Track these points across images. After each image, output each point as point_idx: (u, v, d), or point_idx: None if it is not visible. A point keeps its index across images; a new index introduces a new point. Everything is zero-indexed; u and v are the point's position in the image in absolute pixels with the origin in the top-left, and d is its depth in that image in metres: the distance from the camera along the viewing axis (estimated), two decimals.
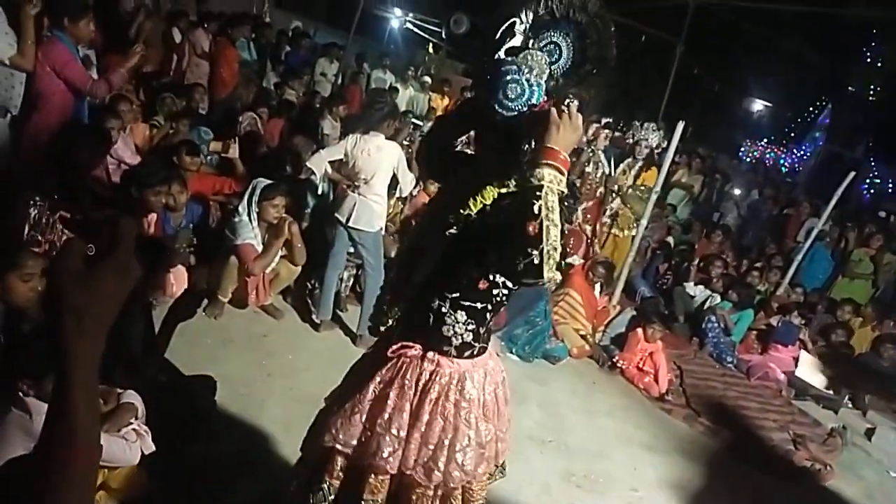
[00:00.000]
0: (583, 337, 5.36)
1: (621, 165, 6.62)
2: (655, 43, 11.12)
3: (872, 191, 17.08)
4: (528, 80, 1.58)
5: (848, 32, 15.87)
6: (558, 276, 1.54)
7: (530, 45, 1.60)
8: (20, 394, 1.92)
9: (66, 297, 0.76)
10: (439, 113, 10.87)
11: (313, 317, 4.44)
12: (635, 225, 6.45)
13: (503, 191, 1.65)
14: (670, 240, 7.94)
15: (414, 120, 8.87)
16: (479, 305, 1.72)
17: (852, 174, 7.03)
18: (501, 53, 1.60)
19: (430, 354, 1.75)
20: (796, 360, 6.09)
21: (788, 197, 11.49)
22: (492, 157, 1.74)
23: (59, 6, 3.98)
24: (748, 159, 18.63)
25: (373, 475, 1.74)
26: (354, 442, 1.76)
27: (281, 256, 4.33)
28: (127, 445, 2.09)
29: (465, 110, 1.93)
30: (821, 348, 6.26)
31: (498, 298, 1.73)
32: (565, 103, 1.54)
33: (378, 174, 4.17)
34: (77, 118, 4.08)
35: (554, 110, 1.53)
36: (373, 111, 4.19)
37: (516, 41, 1.60)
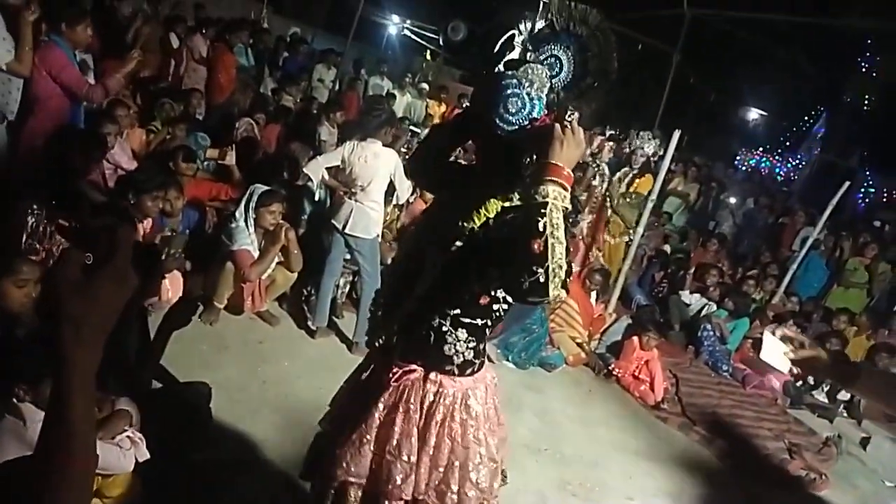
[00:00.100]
0: (579, 345, 5.36)
1: (617, 174, 6.64)
2: (652, 53, 11.18)
3: (867, 200, 17.16)
4: (528, 94, 1.56)
5: (843, 43, 15.97)
6: (564, 294, 1.50)
7: (530, 59, 1.59)
8: (15, 400, 1.91)
9: (65, 306, 0.76)
10: (436, 120, 10.91)
11: (309, 323, 4.43)
12: (626, 232, 6.47)
13: (506, 204, 1.63)
14: (667, 248, 7.96)
15: (412, 127, 8.88)
16: (479, 322, 1.71)
17: (847, 183, 7.07)
18: (501, 66, 1.59)
19: (432, 375, 1.72)
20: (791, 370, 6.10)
21: (784, 206, 11.52)
22: (493, 170, 1.71)
23: (57, 11, 3.99)
24: (744, 168, 18.70)
25: (387, 502, 1.70)
26: (367, 472, 1.73)
27: (277, 263, 4.32)
28: (121, 453, 2.08)
29: (463, 121, 1.91)
30: None
31: (497, 314, 1.72)
32: (567, 118, 1.53)
33: (375, 181, 4.17)
34: (73, 123, 4.09)
35: (557, 126, 1.51)
36: (370, 118, 4.20)
37: (516, 54, 1.60)
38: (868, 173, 17.60)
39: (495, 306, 1.69)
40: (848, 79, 18.93)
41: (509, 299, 1.69)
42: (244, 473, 2.87)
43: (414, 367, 1.73)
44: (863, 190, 17.06)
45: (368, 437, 1.73)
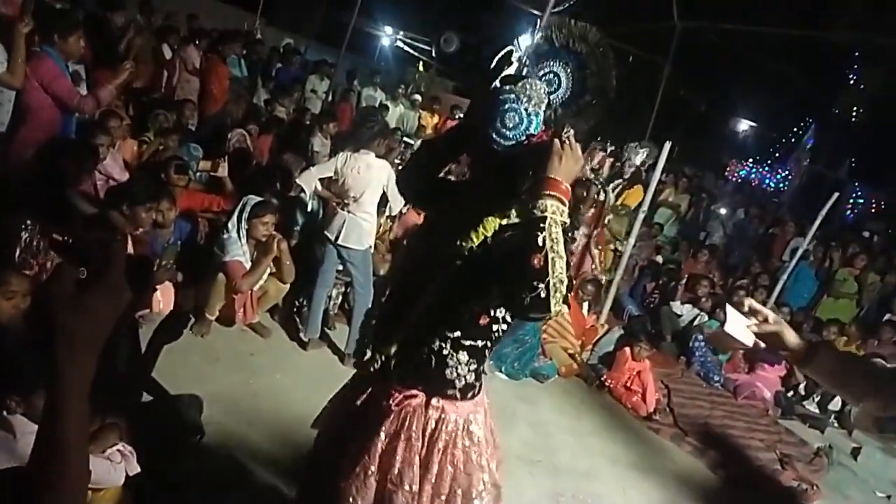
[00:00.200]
0: (571, 356, 5.36)
1: (609, 186, 6.67)
2: (642, 65, 11.27)
3: (856, 211, 17.32)
4: (526, 110, 1.55)
5: (831, 55, 16.17)
6: (565, 309, 1.50)
7: (528, 74, 1.59)
8: (5, 412, 1.89)
9: (59, 321, 0.76)
10: (429, 130, 10.95)
11: (301, 335, 4.42)
12: (613, 241, 6.49)
13: (504, 222, 1.61)
14: (659, 259, 7.99)
15: (406, 139, 8.91)
16: (479, 344, 1.68)
17: (836, 194, 7.12)
18: (498, 82, 1.59)
19: (434, 401, 1.68)
20: (783, 378, 6.14)
21: (774, 216, 11.60)
22: (489, 186, 1.70)
23: (49, 22, 3.99)
24: (734, 179, 18.84)
25: None
26: (373, 502, 1.70)
27: (269, 274, 4.31)
28: (112, 466, 2.06)
29: (458, 135, 1.88)
30: None
31: (497, 334, 1.69)
32: (565, 133, 1.52)
33: (368, 192, 4.18)
34: (65, 133, 4.07)
35: (556, 140, 1.51)
36: (363, 129, 4.21)
37: (513, 69, 1.60)
38: (857, 184, 17.77)
39: (495, 326, 1.67)
40: (836, 91, 19.15)
41: (509, 319, 1.67)
42: (236, 486, 2.85)
43: (415, 392, 1.69)
44: (851, 201, 17.22)
45: (372, 467, 1.68)
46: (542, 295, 1.40)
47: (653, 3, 9.84)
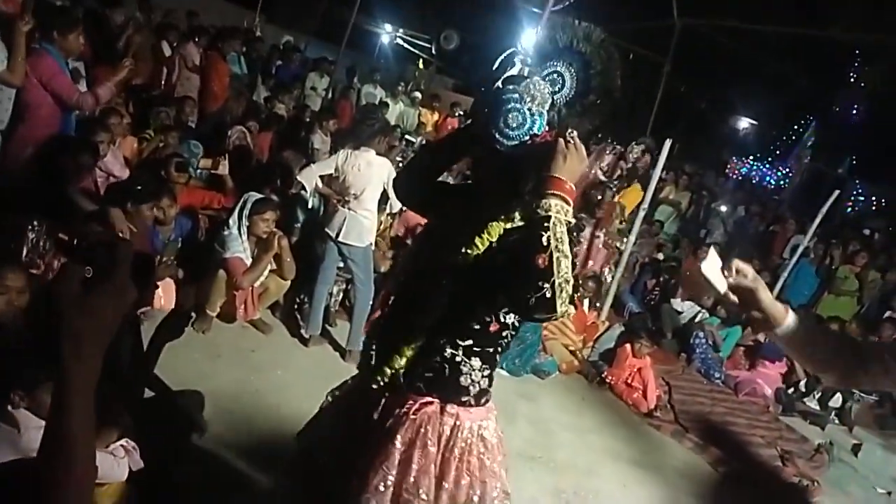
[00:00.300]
0: (572, 352, 5.37)
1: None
2: (643, 63, 11.27)
3: (856, 208, 17.32)
4: (529, 110, 1.54)
5: (831, 53, 16.14)
6: (572, 310, 1.46)
7: (532, 74, 1.57)
8: (9, 406, 1.90)
9: (65, 320, 0.76)
10: (429, 128, 10.94)
11: (302, 332, 4.42)
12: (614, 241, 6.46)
13: (509, 226, 1.59)
14: (660, 256, 7.99)
15: (407, 136, 8.91)
16: (491, 350, 1.67)
17: (837, 192, 7.13)
18: (501, 83, 1.57)
19: (449, 408, 1.67)
20: (783, 375, 6.14)
21: (774, 214, 11.61)
22: (493, 190, 1.67)
23: (49, 19, 3.99)
24: (734, 176, 18.85)
25: None
26: None
27: (270, 271, 4.31)
28: (115, 462, 2.06)
29: (459, 139, 1.86)
30: None
31: (507, 340, 1.68)
32: (569, 133, 1.50)
33: (368, 189, 4.18)
34: (64, 131, 4.07)
35: (560, 140, 1.49)
36: (364, 127, 4.22)
37: (515, 70, 1.58)
38: (857, 182, 17.78)
39: (504, 332, 1.66)
40: (836, 88, 19.14)
41: (517, 324, 1.66)
42: (237, 482, 2.85)
43: (430, 399, 1.67)
44: (852, 198, 17.23)
45: (390, 477, 1.64)
46: (548, 295, 1.38)
47: (652, 1, 9.84)
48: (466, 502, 1.65)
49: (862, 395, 6.14)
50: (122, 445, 2.13)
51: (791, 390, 6.06)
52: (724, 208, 10.88)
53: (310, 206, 5.26)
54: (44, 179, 3.56)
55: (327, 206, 4.61)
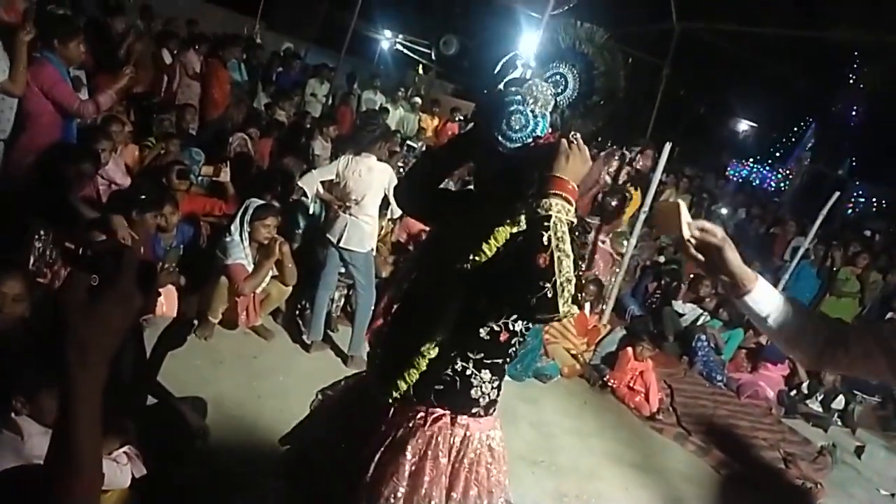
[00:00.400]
0: (573, 356, 5.37)
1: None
2: (642, 66, 11.29)
3: (857, 209, 17.32)
4: (532, 111, 1.53)
5: (830, 54, 16.16)
6: (575, 310, 1.43)
7: (534, 76, 1.56)
8: (12, 414, 1.90)
9: (71, 329, 0.77)
10: (429, 133, 10.95)
11: (304, 337, 4.43)
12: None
13: (515, 230, 1.56)
14: (661, 259, 7.99)
15: (409, 142, 8.93)
16: (500, 361, 1.67)
17: (837, 193, 7.13)
18: (503, 85, 1.56)
19: (459, 419, 1.66)
20: (786, 377, 6.14)
21: (775, 216, 11.61)
22: (497, 195, 1.66)
23: (50, 27, 4.01)
24: (735, 179, 18.86)
25: None
26: None
27: (272, 277, 4.32)
28: (118, 468, 2.07)
29: (461, 144, 1.85)
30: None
31: (514, 349, 1.68)
32: (572, 134, 1.49)
33: (369, 195, 4.19)
34: (66, 139, 4.09)
35: (563, 140, 1.48)
36: (365, 133, 4.23)
37: (517, 73, 1.57)
38: (858, 183, 17.79)
39: (513, 340, 1.65)
40: (836, 90, 19.15)
41: (525, 332, 1.65)
42: (240, 489, 2.85)
43: (441, 411, 1.66)
44: (852, 200, 17.23)
45: (401, 489, 1.62)
46: (549, 295, 1.36)
47: (651, 4, 9.86)
48: None
49: (865, 396, 6.13)
50: (124, 452, 2.14)
51: (794, 392, 6.05)
52: (724, 211, 10.91)
53: (311, 212, 5.27)
54: (45, 187, 3.57)
55: (328, 212, 4.62)
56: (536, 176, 1.53)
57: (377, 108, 9.82)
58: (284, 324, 4.64)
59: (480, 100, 1.70)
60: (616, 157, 6.17)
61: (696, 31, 10.15)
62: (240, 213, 4.23)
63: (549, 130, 1.56)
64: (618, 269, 6.13)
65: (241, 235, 4.17)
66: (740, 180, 18.91)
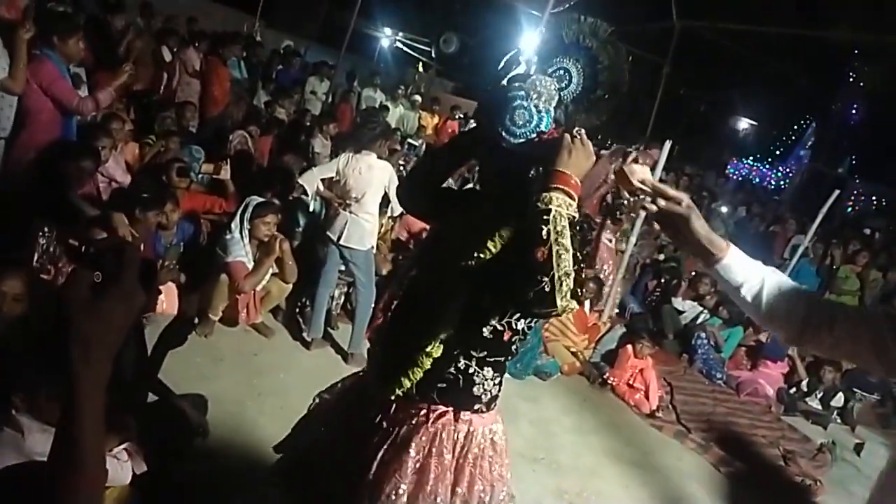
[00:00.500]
0: (573, 354, 5.37)
1: None
2: (642, 64, 11.28)
3: (857, 208, 17.33)
4: (535, 106, 1.52)
5: (831, 53, 16.17)
6: (574, 305, 1.41)
7: (537, 72, 1.56)
8: (13, 411, 1.90)
9: (74, 326, 0.77)
10: (429, 131, 10.95)
11: (304, 335, 4.43)
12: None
13: (519, 227, 1.53)
14: (661, 257, 8.00)
15: (409, 140, 8.92)
16: (502, 359, 1.67)
17: (837, 192, 7.13)
18: (506, 81, 1.56)
19: (463, 415, 1.66)
20: (785, 375, 6.14)
21: (775, 214, 11.62)
22: (501, 193, 1.65)
23: (49, 24, 4.00)
24: (735, 177, 18.86)
25: None
26: None
27: (272, 274, 4.32)
28: (119, 465, 2.07)
29: (464, 142, 1.84)
30: (809, 363, 6.31)
31: (516, 346, 1.68)
32: (576, 130, 1.49)
33: (369, 192, 4.19)
34: (66, 136, 4.09)
35: (567, 135, 1.47)
36: (365, 130, 4.22)
37: (521, 69, 1.57)
38: (857, 181, 17.79)
39: (515, 338, 1.65)
40: (836, 89, 19.16)
41: (527, 330, 1.65)
42: (241, 486, 2.86)
43: (443, 408, 1.66)
44: (852, 198, 17.23)
45: (403, 486, 1.62)
46: (546, 289, 1.35)
47: (651, 2, 9.85)
48: None
49: (864, 394, 6.14)
50: (125, 449, 2.14)
51: (793, 390, 6.05)
52: (724, 209, 10.90)
53: (311, 209, 5.27)
54: (45, 185, 3.57)
55: (328, 210, 4.62)
56: (539, 171, 1.53)
57: (377, 105, 9.81)
58: (285, 321, 4.64)
59: (484, 96, 1.69)
60: (621, 156, 6.17)
61: (697, 29, 10.15)
62: (240, 211, 4.23)
63: (553, 126, 1.55)
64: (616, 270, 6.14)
65: (241, 233, 4.17)
66: (740, 178, 18.92)
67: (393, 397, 1.69)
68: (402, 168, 6.40)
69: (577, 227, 1.43)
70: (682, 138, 11.54)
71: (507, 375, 4.73)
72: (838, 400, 5.97)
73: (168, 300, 3.98)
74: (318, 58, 10.85)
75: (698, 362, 6.09)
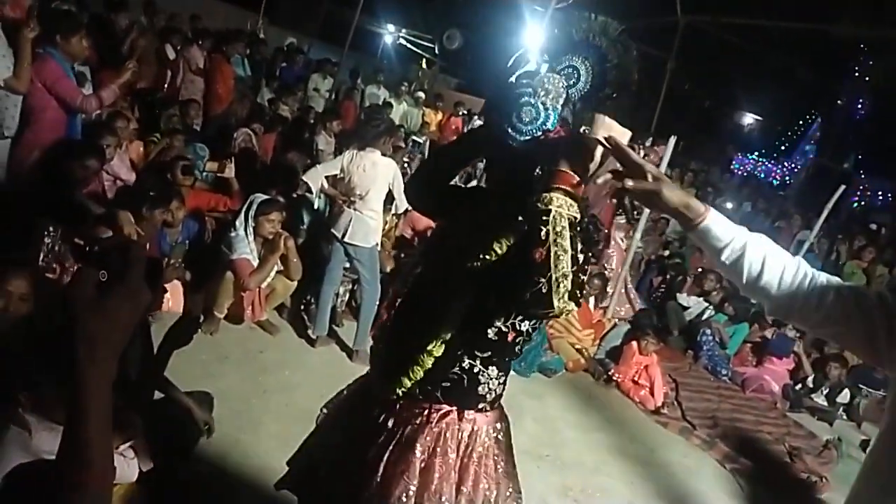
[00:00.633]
0: (578, 350, 5.37)
1: None
2: (647, 60, 11.25)
3: (863, 203, 17.26)
4: (543, 104, 1.51)
5: (836, 48, 16.09)
6: (572, 307, 1.40)
7: (545, 69, 1.54)
8: (20, 410, 1.91)
9: (81, 324, 0.77)
10: (433, 128, 10.93)
11: (309, 332, 4.44)
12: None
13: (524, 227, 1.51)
14: (666, 253, 7.99)
15: (413, 137, 8.91)
16: (507, 358, 1.67)
17: (842, 187, 7.10)
18: (514, 78, 1.55)
19: (467, 414, 1.66)
20: (791, 371, 6.13)
21: (780, 210, 11.57)
22: (508, 192, 1.64)
23: (53, 23, 4.01)
24: (740, 173, 18.79)
25: None
26: None
27: (277, 272, 4.33)
28: (125, 462, 2.08)
29: (469, 141, 1.83)
30: (815, 360, 6.30)
31: (520, 347, 1.67)
32: (581, 129, 1.47)
33: (373, 190, 4.19)
34: (70, 134, 4.10)
35: (571, 135, 1.46)
36: (369, 128, 4.23)
37: (530, 66, 1.55)
38: (863, 176, 17.72)
39: (519, 339, 1.64)
40: (841, 84, 19.08)
41: (531, 331, 1.64)
42: (246, 483, 2.87)
43: (448, 407, 1.66)
44: (858, 193, 17.16)
45: (412, 487, 1.61)
46: (543, 290, 1.33)
47: None
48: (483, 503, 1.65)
49: (870, 390, 6.12)
50: (131, 446, 2.14)
51: (798, 386, 6.04)
52: (729, 205, 10.86)
53: (315, 206, 5.28)
54: (50, 183, 3.58)
55: (333, 207, 4.63)
56: (542, 170, 1.52)
57: (381, 102, 9.81)
58: (290, 319, 4.65)
59: (491, 93, 1.68)
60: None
61: (701, 25, 10.11)
62: (244, 209, 4.24)
63: (559, 125, 1.54)
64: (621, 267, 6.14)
65: (245, 230, 4.18)
66: (745, 174, 18.82)
67: (395, 396, 1.69)
68: (406, 165, 6.40)
69: (579, 228, 1.41)
70: (686, 134, 11.52)
71: (511, 373, 4.73)
72: (844, 396, 5.96)
73: (174, 298, 3.99)
74: (322, 55, 10.86)
75: (703, 359, 6.08)
